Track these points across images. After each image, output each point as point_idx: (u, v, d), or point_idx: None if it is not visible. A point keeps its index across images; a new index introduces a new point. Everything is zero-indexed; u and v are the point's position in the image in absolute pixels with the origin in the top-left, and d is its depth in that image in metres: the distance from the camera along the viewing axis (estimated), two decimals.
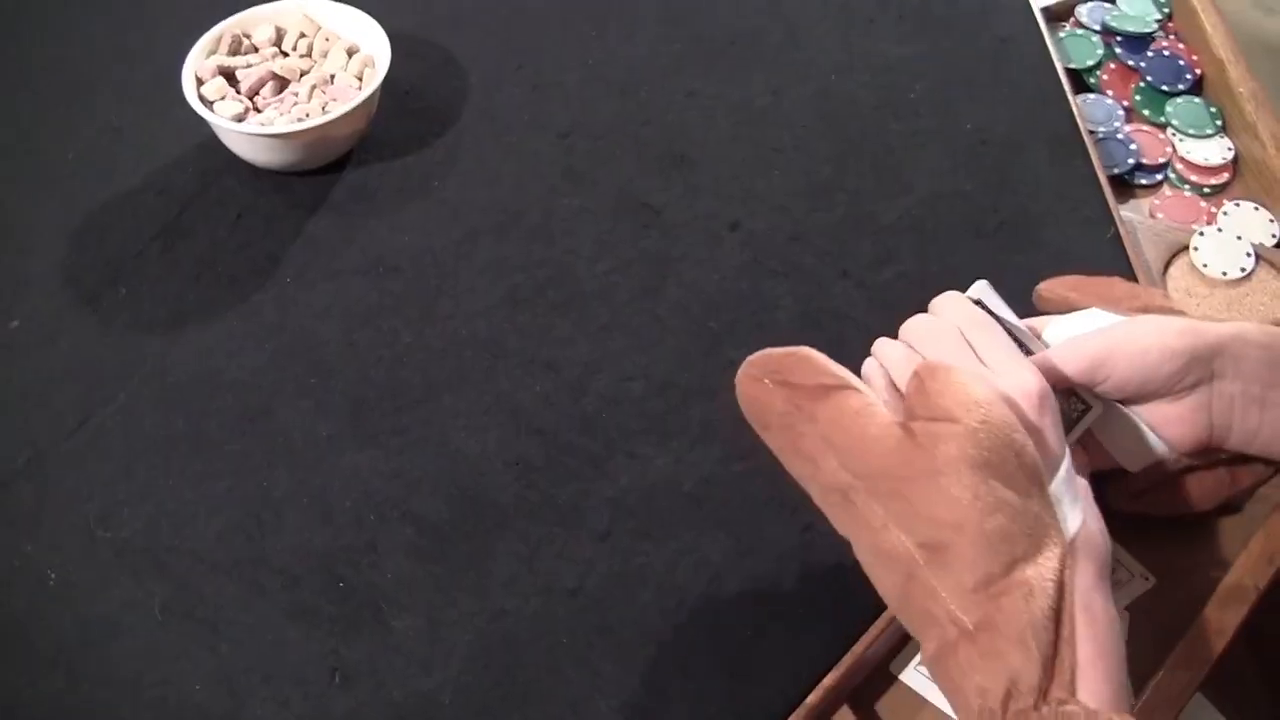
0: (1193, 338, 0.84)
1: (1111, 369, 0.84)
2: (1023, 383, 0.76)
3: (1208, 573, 0.94)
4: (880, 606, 0.91)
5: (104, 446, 1.04)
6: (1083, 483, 0.77)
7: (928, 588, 0.71)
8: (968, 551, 0.69)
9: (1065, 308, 0.92)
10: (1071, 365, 0.85)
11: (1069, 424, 0.87)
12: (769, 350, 0.78)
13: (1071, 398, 0.87)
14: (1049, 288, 0.95)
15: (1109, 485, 0.93)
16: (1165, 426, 0.87)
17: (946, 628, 0.70)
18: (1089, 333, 0.87)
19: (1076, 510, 0.74)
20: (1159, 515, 0.95)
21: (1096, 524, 0.76)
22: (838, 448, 0.74)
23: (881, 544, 0.72)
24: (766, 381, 0.77)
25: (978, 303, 0.85)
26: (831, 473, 0.74)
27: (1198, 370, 0.84)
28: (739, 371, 0.79)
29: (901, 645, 0.93)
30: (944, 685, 0.72)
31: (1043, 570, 0.70)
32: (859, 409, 0.74)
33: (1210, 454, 0.90)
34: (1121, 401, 0.87)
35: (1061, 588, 0.70)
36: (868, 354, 0.91)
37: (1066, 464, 0.76)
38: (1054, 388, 0.85)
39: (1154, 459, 0.89)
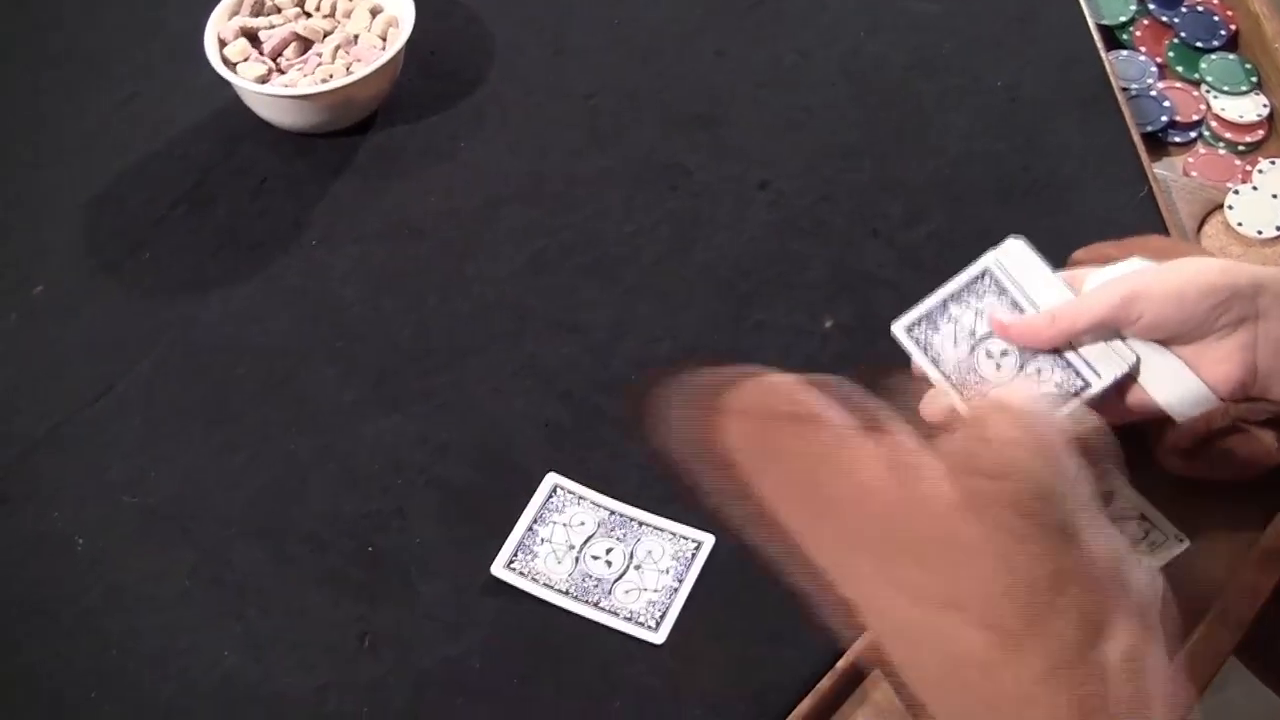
0: (1233, 274, 0.83)
1: (1145, 305, 0.83)
2: None
3: (1243, 535, 0.94)
4: None
5: (128, 414, 1.03)
6: None
7: None
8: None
9: (1104, 263, 0.91)
10: (1102, 305, 0.85)
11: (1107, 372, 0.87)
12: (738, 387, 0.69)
13: (1113, 344, 0.87)
14: (1086, 250, 0.95)
15: (1156, 444, 0.92)
16: (1208, 368, 0.85)
17: None
18: (1122, 274, 0.87)
19: None
20: (1209, 478, 0.94)
21: None
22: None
23: None
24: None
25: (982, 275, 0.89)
26: None
27: (1240, 306, 0.83)
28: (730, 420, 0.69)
29: None
30: None
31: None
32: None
33: (1258, 408, 0.88)
34: (1162, 342, 0.86)
35: None
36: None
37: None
38: (1090, 332, 0.85)
39: (1199, 406, 0.87)
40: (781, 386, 0.67)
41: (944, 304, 0.90)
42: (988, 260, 0.91)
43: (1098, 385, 0.87)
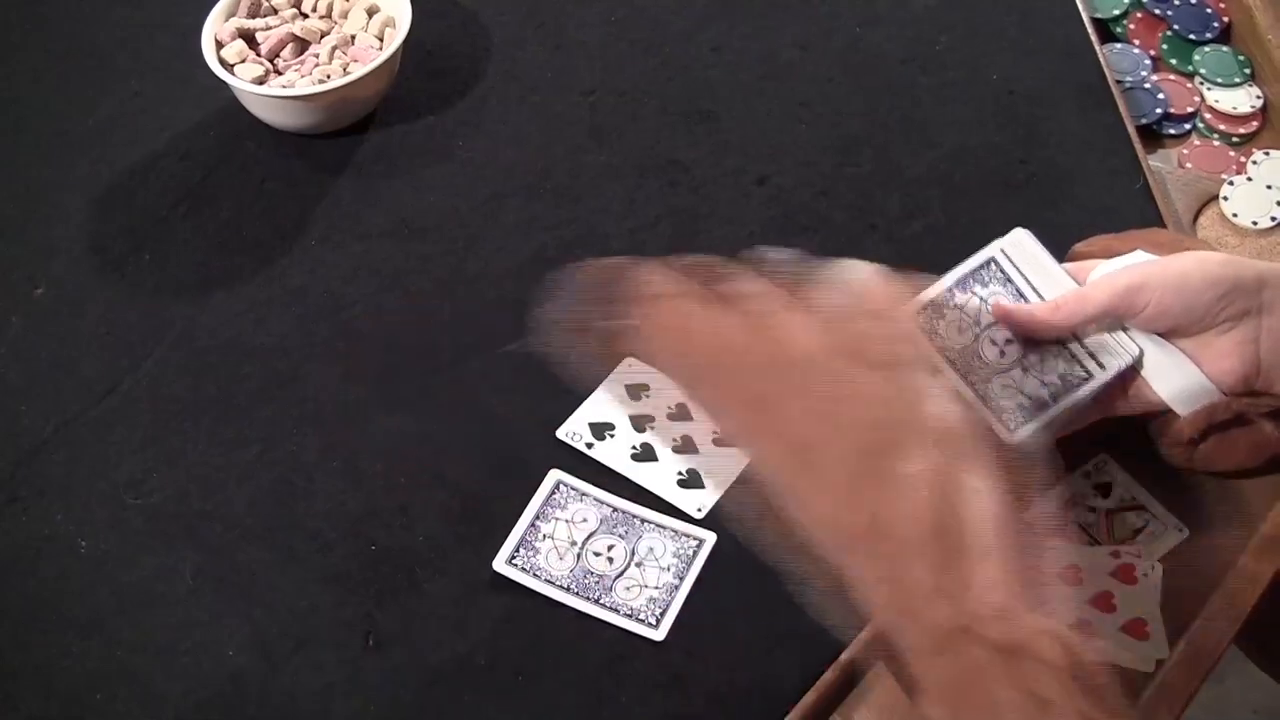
0: (1236, 266, 0.84)
1: (1149, 296, 0.84)
2: None
3: (1242, 524, 0.94)
4: None
5: (132, 413, 1.03)
6: None
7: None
8: None
9: (1108, 255, 0.92)
10: (1106, 295, 0.85)
11: (1108, 363, 0.88)
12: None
13: (1116, 336, 0.88)
14: (1087, 242, 0.95)
15: (1159, 437, 0.93)
16: (1211, 362, 0.86)
17: None
18: (1125, 266, 0.87)
19: None
20: (1211, 472, 0.94)
21: None
22: None
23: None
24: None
25: (987, 264, 0.90)
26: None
27: (1243, 299, 0.83)
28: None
29: None
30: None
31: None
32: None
33: (1260, 401, 0.88)
34: (1165, 335, 0.87)
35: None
36: None
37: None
38: (1093, 322, 0.85)
39: (1201, 400, 0.88)
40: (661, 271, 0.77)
41: (949, 291, 0.91)
42: (993, 249, 0.91)
43: (1101, 376, 0.87)
